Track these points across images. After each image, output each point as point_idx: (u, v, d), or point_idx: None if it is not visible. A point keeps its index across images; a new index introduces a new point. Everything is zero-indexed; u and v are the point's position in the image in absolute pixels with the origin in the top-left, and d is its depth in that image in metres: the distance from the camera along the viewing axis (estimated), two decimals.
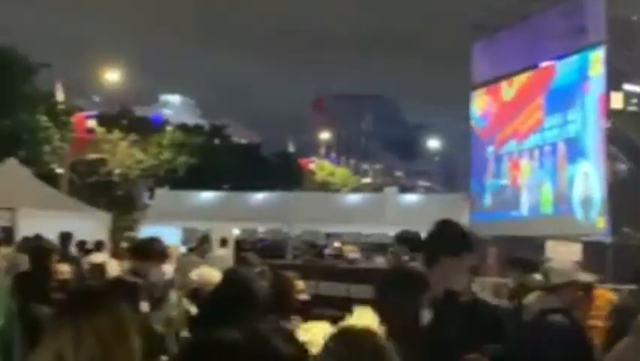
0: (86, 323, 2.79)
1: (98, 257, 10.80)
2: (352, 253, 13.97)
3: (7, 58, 32.96)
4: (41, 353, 2.78)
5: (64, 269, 6.62)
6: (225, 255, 16.14)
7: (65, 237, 14.51)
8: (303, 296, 5.93)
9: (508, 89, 21.09)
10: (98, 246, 14.85)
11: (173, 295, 5.91)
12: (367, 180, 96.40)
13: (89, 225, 18.42)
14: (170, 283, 6.26)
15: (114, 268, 14.46)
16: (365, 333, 2.98)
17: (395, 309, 3.99)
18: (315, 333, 3.54)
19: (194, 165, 40.41)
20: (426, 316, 3.95)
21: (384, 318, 4.01)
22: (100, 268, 9.50)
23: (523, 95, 20.42)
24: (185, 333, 5.59)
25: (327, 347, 2.89)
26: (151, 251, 6.00)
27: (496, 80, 21.69)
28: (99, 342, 2.77)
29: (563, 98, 18.83)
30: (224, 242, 17.83)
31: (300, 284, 5.82)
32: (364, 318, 4.25)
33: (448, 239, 4.15)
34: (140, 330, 3.82)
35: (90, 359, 2.73)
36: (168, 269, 8.75)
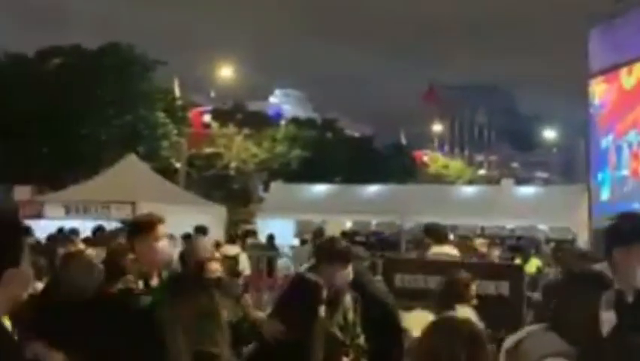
0: None
1: (232, 250, 11.03)
2: (482, 246, 13.56)
3: (127, 57, 34.08)
4: None
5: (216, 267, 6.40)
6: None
7: (201, 230, 14.70)
8: None
9: (628, 78, 20.26)
10: (232, 239, 15.21)
11: (348, 298, 5.58)
12: (482, 171, 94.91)
13: (206, 218, 18.75)
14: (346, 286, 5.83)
15: (244, 260, 14.73)
16: (462, 321, 3.16)
17: (572, 313, 3.75)
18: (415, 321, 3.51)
19: (307, 158, 40.73)
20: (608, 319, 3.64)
21: (557, 323, 3.76)
22: (235, 260, 9.68)
23: None
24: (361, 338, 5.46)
25: (425, 333, 3.08)
26: (335, 253, 5.77)
27: (615, 67, 20.87)
28: None
29: None
30: (344, 236, 17.74)
31: None
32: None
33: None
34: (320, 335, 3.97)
35: None
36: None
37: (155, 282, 4.77)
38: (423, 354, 3.04)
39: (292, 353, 4.94)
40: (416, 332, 3.28)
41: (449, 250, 8.30)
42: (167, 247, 4.80)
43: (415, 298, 6.84)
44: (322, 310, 5.10)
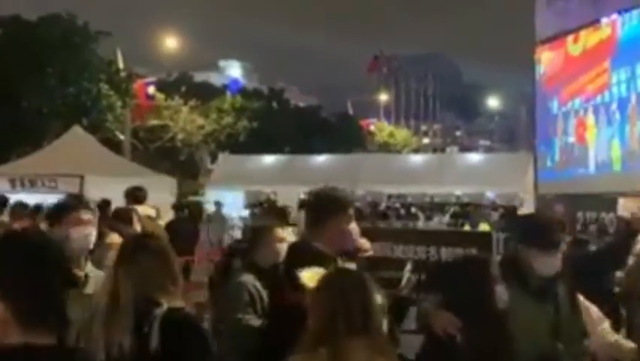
0: None
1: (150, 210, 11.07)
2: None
3: (68, 28, 33.34)
4: None
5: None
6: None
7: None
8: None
9: (575, 46, 20.56)
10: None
11: None
12: (427, 140, 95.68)
13: (156, 191, 18.57)
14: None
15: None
16: (349, 271, 3.50)
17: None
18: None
19: (254, 129, 40.49)
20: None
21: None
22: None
23: (589, 55, 19.91)
24: None
25: (319, 282, 3.31)
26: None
27: (562, 34, 21.16)
28: None
29: (631, 52, 18.29)
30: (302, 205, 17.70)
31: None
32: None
33: None
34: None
35: None
36: None
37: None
38: (319, 309, 3.17)
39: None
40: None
41: None
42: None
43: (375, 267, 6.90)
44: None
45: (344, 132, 54.45)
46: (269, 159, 28.75)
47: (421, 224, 20.38)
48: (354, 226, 4.37)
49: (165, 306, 3.48)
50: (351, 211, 4.35)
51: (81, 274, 4.28)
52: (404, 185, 24.67)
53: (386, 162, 28.47)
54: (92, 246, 4.49)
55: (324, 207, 4.27)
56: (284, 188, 24.10)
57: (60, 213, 4.48)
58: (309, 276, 3.52)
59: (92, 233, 4.44)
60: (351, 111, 68.65)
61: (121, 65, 34.98)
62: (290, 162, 28.45)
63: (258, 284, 5.24)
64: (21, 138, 29.06)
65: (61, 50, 32.06)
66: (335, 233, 4.15)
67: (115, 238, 6.61)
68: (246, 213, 23.27)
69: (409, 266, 6.29)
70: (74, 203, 4.59)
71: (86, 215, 4.41)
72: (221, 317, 6.09)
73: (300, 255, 4.06)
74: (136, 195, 10.83)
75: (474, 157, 28.89)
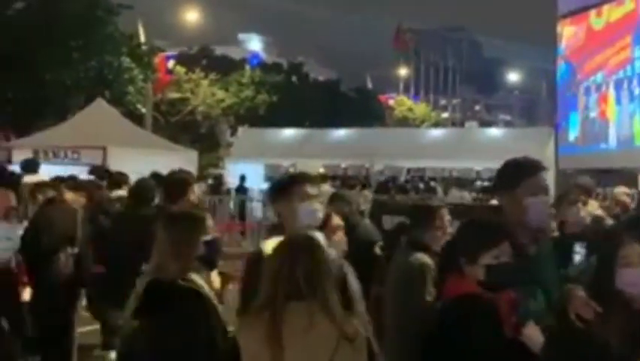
0: None
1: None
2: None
3: (91, 1, 33.45)
4: None
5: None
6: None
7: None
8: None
9: (597, 19, 20.44)
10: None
11: None
12: (446, 115, 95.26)
13: (177, 162, 18.70)
14: None
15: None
16: (301, 237, 3.40)
17: None
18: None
19: (273, 103, 40.56)
20: None
21: None
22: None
23: (612, 29, 19.81)
24: None
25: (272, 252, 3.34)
26: None
27: (584, 9, 21.04)
28: None
29: None
30: (324, 178, 17.85)
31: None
32: None
33: None
34: None
35: None
36: None
37: None
38: (267, 271, 3.22)
39: None
40: None
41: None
42: None
43: None
44: None
45: (363, 106, 54.35)
46: (288, 133, 28.84)
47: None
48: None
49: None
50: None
51: None
52: (423, 159, 24.71)
53: (405, 136, 28.50)
54: (319, 222, 4.37)
55: None
56: (303, 161, 24.22)
57: (288, 187, 4.41)
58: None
59: (320, 208, 4.36)
60: (370, 85, 68.36)
61: (142, 38, 35.13)
62: (309, 135, 28.51)
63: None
64: (44, 111, 29.32)
65: (83, 24, 32.20)
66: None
67: None
68: (265, 186, 23.46)
69: None
70: (300, 178, 4.53)
71: (312, 190, 4.36)
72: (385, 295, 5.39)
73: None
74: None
75: (493, 132, 28.87)
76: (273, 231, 4.39)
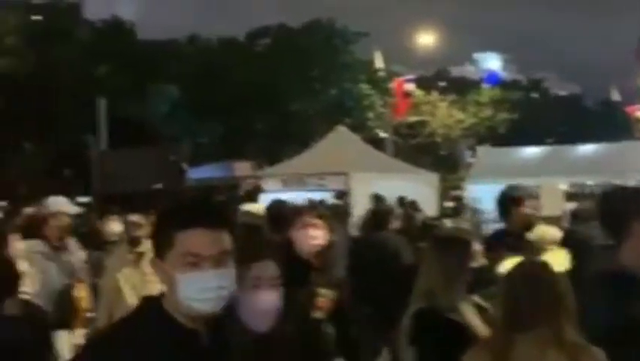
0: None
1: None
2: None
3: (328, 31, 34.72)
4: None
5: None
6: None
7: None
8: None
9: None
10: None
11: None
12: None
13: (418, 186, 18.84)
14: None
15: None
16: (543, 266, 3.22)
17: None
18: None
19: (514, 121, 39.69)
20: None
21: None
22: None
23: None
24: None
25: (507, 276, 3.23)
26: None
27: None
28: None
29: None
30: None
31: None
32: None
33: None
34: None
35: None
36: None
37: None
38: (500, 297, 3.14)
39: None
40: None
41: None
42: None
43: None
44: None
45: (608, 120, 51.79)
46: (531, 151, 27.96)
47: None
48: None
49: None
50: None
51: None
52: None
53: None
54: None
55: None
56: (547, 180, 23.36)
57: None
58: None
59: None
60: (616, 97, 65.04)
61: (380, 64, 35.84)
62: (554, 153, 27.44)
63: None
64: (290, 140, 30.71)
65: (322, 54, 33.46)
66: None
67: None
68: None
69: None
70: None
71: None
72: None
73: None
74: None
75: None
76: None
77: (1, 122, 32.03)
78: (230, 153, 28.10)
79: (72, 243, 5.82)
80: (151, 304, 2.15)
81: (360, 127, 31.23)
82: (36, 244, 5.50)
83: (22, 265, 4.77)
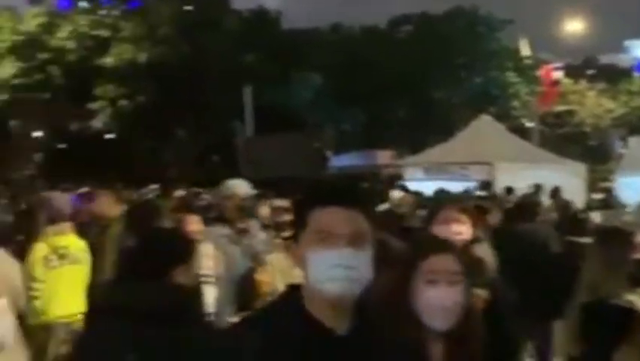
0: None
1: None
2: None
3: (472, 19, 34.19)
4: None
5: None
6: None
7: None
8: None
9: None
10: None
11: None
12: None
13: (564, 176, 18.30)
14: None
15: None
16: None
17: None
18: None
19: None
20: None
21: None
22: None
23: None
24: None
25: None
26: None
27: None
28: None
29: None
30: None
31: None
32: None
33: None
34: None
35: None
36: None
37: None
38: None
39: None
40: None
41: None
42: None
43: None
44: None
45: None
46: None
47: None
48: None
49: None
50: None
51: None
52: None
53: None
54: None
55: None
56: None
57: None
58: None
59: None
60: None
61: (526, 52, 35.01)
62: None
63: None
64: (433, 129, 30.53)
65: (467, 42, 33.02)
66: None
67: None
68: None
69: None
70: None
71: None
72: None
73: None
74: None
75: None
76: None
77: (156, 109, 33.44)
78: (371, 140, 28.25)
79: (254, 225, 5.81)
80: (291, 294, 2.07)
81: (505, 116, 30.69)
82: (221, 228, 5.59)
83: (208, 248, 4.94)
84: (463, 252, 4.26)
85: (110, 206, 6.82)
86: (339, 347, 1.98)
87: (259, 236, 5.85)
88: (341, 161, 26.39)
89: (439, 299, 2.56)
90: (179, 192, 16.11)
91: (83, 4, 39.92)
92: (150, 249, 3.31)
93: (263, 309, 2.19)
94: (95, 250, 6.28)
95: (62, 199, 6.60)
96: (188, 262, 3.34)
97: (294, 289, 2.08)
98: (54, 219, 6.21)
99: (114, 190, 7.14)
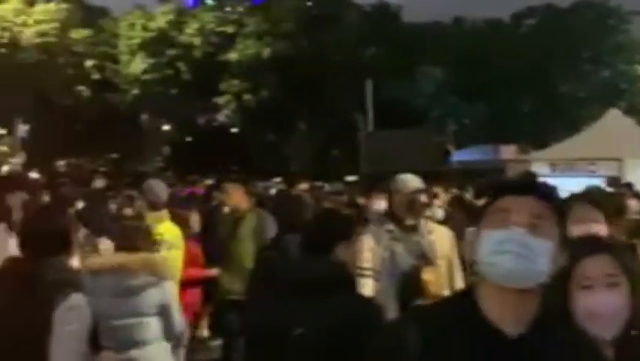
0: None
1: None
2: None
3: (601, 11, 33.17)
4: None
5: None
6: None
7: None
8: None
9: None
10: None
11: None
12: None
13: None
14: None
15: None
16: None
17: None
18: None
19: None
20: None
21: None
22: None
23: None
24: None
25: None
26: None
27: None
28: None
29: None
30: None
31: None
32: None
33: None
34: None
35: None
36: None
37: None
38: None
39: None
40: None
41: None
42: None
43: None
44: None
45: None
46: None
47: None
48: None
49: None
50: None
51: None
52: None
53: None
54: None
55: None
56: None
57: None
58: None
59: None
60: None
61: None
62: None
63: None
64: (557, 123, 29.86)
65: (594, 34, 32.09)
66: None
67: None
68: None
69: None
70: None
71: None
72: None
73: None
74: None
75: None
76: None
77: (278, 104, 34.05)
78: (494, 135, 27.85)
79: (423, 223, 5.46)
80: (466, 293, 2.00)
81: (634, 110, 29.62)
82: (387, 223, 5.45)
83: (368, 241, 4.97)
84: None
85: (242, 199, 7.09)
86: (508, 349, 1.87)
87: (427, 236, 5.43)
88: (463, 155, 26.15)
89: (597, 306, 2.29)
90: (303, 185, 16.34)
91: (209, 2, 41.03)
92: (320, 227, 3.52)
93: (433, 304, 2.20)
94: (230, 240, 6.78)
95: (160, 187, 6.97)
96: (349, 239, 3.53)
97: (470, 289, 2.00)
98: (154, 205, 6.67)
99: (244, 184, 7.37)
